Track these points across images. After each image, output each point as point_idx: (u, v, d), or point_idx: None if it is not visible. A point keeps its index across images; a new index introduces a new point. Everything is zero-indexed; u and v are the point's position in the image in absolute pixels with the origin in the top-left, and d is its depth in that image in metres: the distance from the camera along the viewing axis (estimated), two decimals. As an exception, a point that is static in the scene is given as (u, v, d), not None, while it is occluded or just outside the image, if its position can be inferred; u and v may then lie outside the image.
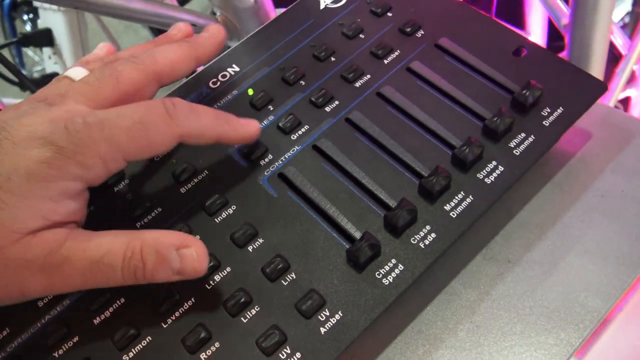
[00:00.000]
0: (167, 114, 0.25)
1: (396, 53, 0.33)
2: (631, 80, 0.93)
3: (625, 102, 0.98)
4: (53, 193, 0.23)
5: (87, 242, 0.24)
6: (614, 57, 0.93)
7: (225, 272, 0.27)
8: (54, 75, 0.73)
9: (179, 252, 0.24)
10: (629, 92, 0.94)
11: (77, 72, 0.29)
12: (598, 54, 0.68)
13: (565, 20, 0.68)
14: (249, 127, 0.29)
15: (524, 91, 0.30)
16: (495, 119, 0.29)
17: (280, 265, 0.27)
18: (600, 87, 0.30)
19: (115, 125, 0.24)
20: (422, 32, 0.34)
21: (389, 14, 0.35)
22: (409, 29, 0.34)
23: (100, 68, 0.28)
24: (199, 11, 0.45)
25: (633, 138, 0.32)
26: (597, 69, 0.69)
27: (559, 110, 0.30)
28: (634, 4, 1.18)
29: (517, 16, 1.00)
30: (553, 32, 0.98)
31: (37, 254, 0.23)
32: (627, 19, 1.22)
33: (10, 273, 0.23)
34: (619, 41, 0.90)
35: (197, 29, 0.44)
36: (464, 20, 0.34)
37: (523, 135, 0.29)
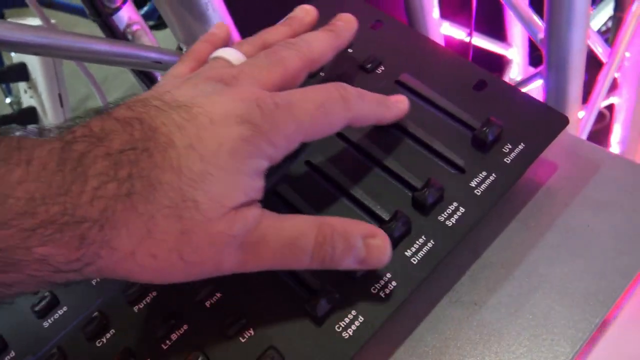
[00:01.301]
0: (342, 98, 0.26)
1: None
2: (614, 88, 0.93)
3: (610, 109, 0.98)
4: (250, 170, 0.24)
5: (281, 222, 0.25)
6: (598, 64, 0.93)
7: (183, 330, 0.26)
8: (31, 109, 0.73)
9: (365, 241, 0.25)
10: (612, 100, 0.94)
11: (232, 55, 0.29)
12: (575, 67, 0.68)
13: (541, 35, 0.68)
14: (401, 105, 0.30)
15: (484, 128, 0.29)
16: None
17: (239, 322, 0.26)
18: (561, 121, 0.30)
19: (302, 107, 0.25)
20: (383, 68, 0.34)
21: (350, 50, 0.35)
22: (369, 65, 0.33)
23: (265, 53, 0.28)
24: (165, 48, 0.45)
25: (599, 169, 0.32)
26: (574, 82, 0.69)
27: (520, 147, 0.29)
28: (616, 9, 1.19)
29: (498, 28, 1.00)
30: (534, 45, 0.98)
31: (240, 230, 0.23)
32: (609, 24, 1.22)
33: (214, 247, 0.23)
34: (599, 49, 0.90)
35: (162, 66, 0.44)
36: (425, 55, 0.34)
37: (484, 174, 0.29)
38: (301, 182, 0.30)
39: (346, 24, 0.31)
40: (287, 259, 0.24)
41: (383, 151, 0.30)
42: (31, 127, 0.23)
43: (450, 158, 0.29)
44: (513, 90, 0.31)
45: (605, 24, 1.23)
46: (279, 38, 0.31)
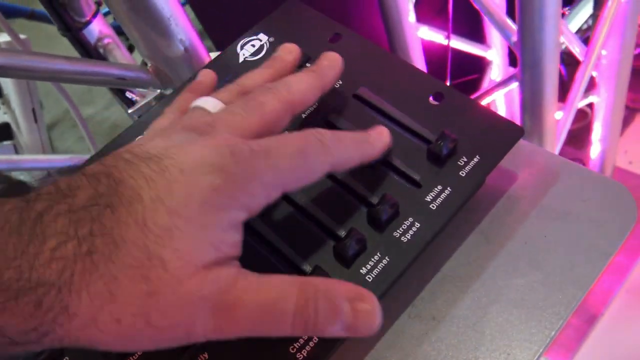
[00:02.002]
0: (321, 143, 0.25)
1: (314, 105, 0.33)
2: (593, 86, 0.93)
3: (591, 107, 0.99)
4: (223, 222, 0.22)
5: (259, 282, 0.22)
6: (577, 63, 0.94)
7: None
8: (5, 125, 0.72)
9: (352, 305, 0.23)
10: (592, 99, 0.95)
11: (210, 103, 0.27)
12: (549, 68, 0.68)
13: (514, 38, 0.69)
14: (384, 138, 0.29)
15: (439, 142, 0.29)
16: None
17: None
18: (517, 132, 0.30)
19: (279, 154, 0.24)
20: (341, 82, 0.33)
21: (308, 65, 0.34)
22: (327, 80, 0.33)
23: (243, 99, 0.27)
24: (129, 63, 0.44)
25: (558, 178, 0.32)
26: (549, 83, 0.70)
27: (476, 159, 0.29)
28: (595, 7, 1.19)
29: (477, 30, 1.00)
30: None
31: (212, 291, 0.21)
32: (590, 22, 1.23)
33: (184, 310, 0.21)
34: (576, 49, 0.90)
35: (126, 82, 0.44)
36: (384, 68, 0.34)
37: (439, 187, 0.29)
38: None
39: (331, 63, 0.30)
40: (265, 325, 0.22)
41: (340, 167, 0.30)
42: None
43: (407, 172, 0.29)
44: (470, 102, 0.31)
45: (586, 21, 1.23)
46: (259, 82, 0.29)
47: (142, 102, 0.46)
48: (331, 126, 0.32)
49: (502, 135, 0.30)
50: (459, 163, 0.29)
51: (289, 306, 0.22)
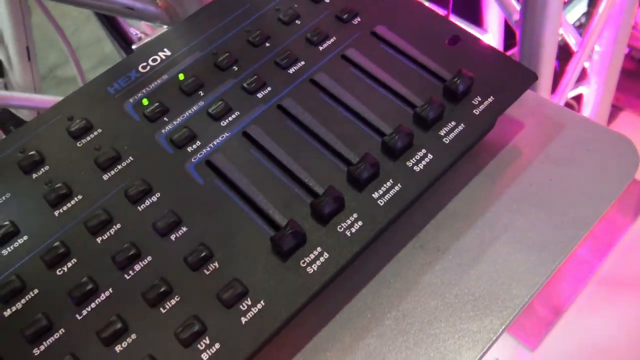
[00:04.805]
0: None
1: (332, 40, 0.33)
2: (582, 77, 0.95)
3: (578, 100, 1.01)
4: None
5: None
6: (569, 56, 0.95)
7: (146, 262, 0.26)
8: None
9: None
10: (581, 90, 0.97)
11: None
12: (548, 50, 0.69)
13: (516, 16, 0.69)
14: None
15: (455, 79, 0.29)
16: (425, 106, 0.29)
17: (203, 254, 0.26)
18: (530, 77, 0.31)
19: None
20: (359, 20, 0.34)
21: (326, 1, 0.34)
22: (345, 16, 0.33)
23: None
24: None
25: (563, 128, 0.33)
26: (546, 64, 0.71)
27: (490, 99, 0.30)
28: (589, 5, 1.22)
29: (474, 13, 1.01)
30: (509, 31, 0.99)
31: None
32: (583, 19, 1.25)
33: None
34: (572, 40, 0.92)
35: (134, 13, 0.43)
36: (401, 9, 0.34)
37: (453, 123, 0.29)
38: (274, 126, 0.30)
39: None
40: None
41: (355, 98, 0.30)
42: None
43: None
44: (485, 46, 0.32)
45: (579, 19, 1.26)
46: None
47: (146, 40, 0.45)
48: (348, 61, 0.32)
49: (516, 79, 0.30)
50: (474, 102, 0.30)
51: None
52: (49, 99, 0.63)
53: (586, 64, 0.93)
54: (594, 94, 0.96)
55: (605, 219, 0.29)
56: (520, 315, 0.27)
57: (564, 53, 1.00)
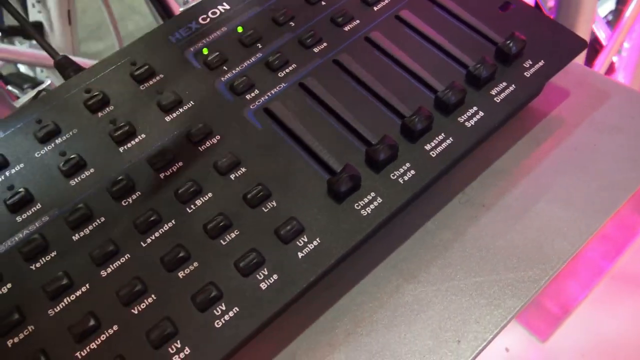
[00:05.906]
0: None
1: (386, 1, 0.34)
2: (610, 71, 0.95)
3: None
4: None
5: None
6: (595, 50, 0.95)
7: (207, 198, 0.27)
8: (38, 24, 0.71)
9: None
10: (608, 84, 0.97)
11: None
12: (585, 16, 0.69)
13: (550, 3, 0.70)
14: None
15: (508, 42, 0.30)
16: (478, 66, 0.30)
17: (261, 193, 0.27)
18: (580, 44, 0.31)
19: None
20: (413, -16, 0.34)
21: None
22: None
23: None
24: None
25: (608, 98, 0.33)
26: (583, 30, 0.70)
27: (540, 63, 0.31)
28: (617, 3, 1.21)
29: None
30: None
31: None
32: (610, 17, 1.25)
33: None
34: (602, 34, 0.92)
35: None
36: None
37: (504, 84, 0.30)
38: (329, 79, 0.31)
39: None
40: None
41: (409, 56, 0.31)
42: None
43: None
44: (537, 12, 0.33)
45: (605, 17, 1.25)
46: None
47: None
48: (402, 22, 0.33)
49: (566, 45, 0.31)
50: (525, 65, 0.31)
51: None
52: (87, 62, 0.64)
53: (614, 59, 0.93)
54: (620, 88, 0.96)
55: (619, 217, 0.29)
56: (531, 307, 0.27)
57: (590, 49, 1.00)
